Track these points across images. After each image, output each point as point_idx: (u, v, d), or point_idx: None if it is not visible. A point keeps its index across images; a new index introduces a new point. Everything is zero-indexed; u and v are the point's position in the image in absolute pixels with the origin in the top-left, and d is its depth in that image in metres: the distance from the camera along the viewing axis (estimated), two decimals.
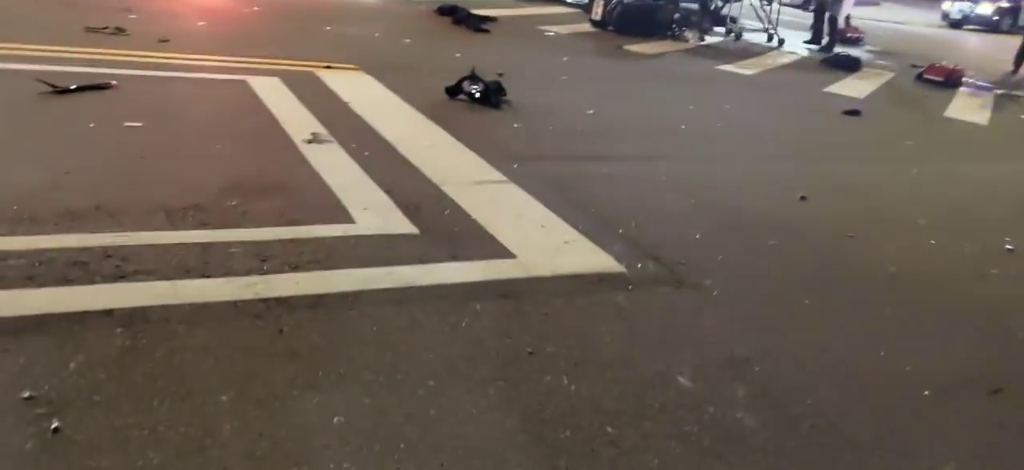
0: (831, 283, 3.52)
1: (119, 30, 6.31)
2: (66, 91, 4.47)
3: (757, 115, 7.15)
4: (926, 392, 2.69)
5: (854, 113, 7.44)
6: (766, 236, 3.96)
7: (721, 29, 13.01)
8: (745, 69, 9.59)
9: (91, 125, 4.06)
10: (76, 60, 5.15)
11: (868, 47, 13.43)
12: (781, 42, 12.37)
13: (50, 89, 4.43)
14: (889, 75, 10.60)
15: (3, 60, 4.88)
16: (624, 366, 2.55)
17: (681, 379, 2.50)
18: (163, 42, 6.15)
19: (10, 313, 2.29)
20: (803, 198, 4.61)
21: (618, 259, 3.35)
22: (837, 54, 11.22)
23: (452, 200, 3.75)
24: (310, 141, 4.28)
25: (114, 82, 4.76)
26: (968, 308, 3.49)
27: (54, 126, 4.01)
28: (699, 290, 3.21)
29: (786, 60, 10.88)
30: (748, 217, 4.20)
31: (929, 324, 3.27)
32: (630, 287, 3.14)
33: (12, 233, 2.76)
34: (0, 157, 3.49)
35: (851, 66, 10.58)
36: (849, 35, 13.52)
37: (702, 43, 11.20)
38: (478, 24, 9.54)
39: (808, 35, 13.12)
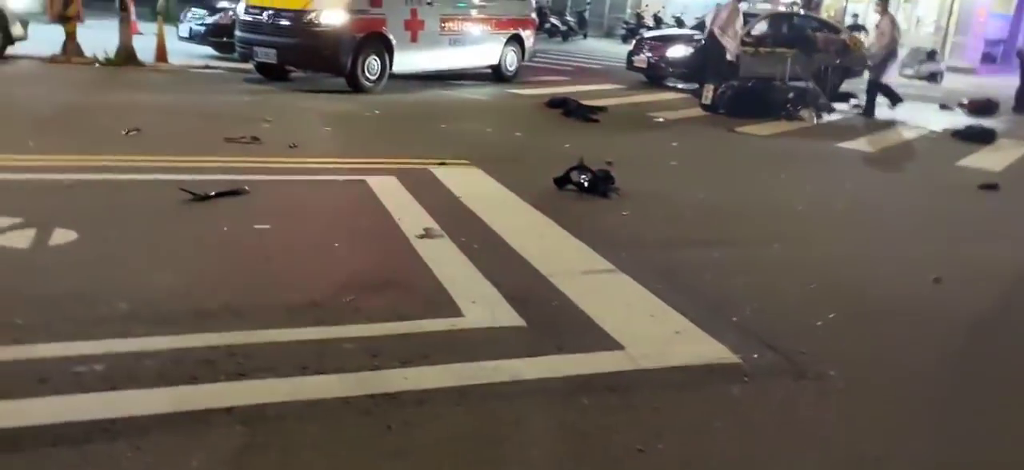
0: (968, 378, 3.23)
1: (254, 139, 6.79)
2: (205, 198, 4.83)
3: (882, 193, 6.81)
4: None
5: (991, 188, 6.95)
6: (895, 324, 3.71)
7: (842, 105, 12.64)
8: (868, 146, 9.21)
9: (225, 229, 4.36)
10: (215, 168, 5.57)
11: (1003, 117, 12.61)
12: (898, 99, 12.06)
13: (190, 196, 4.81)
14: None
15: (151, 171, 5.35)
16: (742, 465, 2.42)
17: None
18: (292, 148, 6.57)
19: (143, 412, 2.45)
20: (937, 280, 4.31)
21: (733, 349, 3.22)
22: (970, 126, 10.59)
23: (560, 291, 3.75)
24: (422, 236, 4.42)
25: (247, 187, 5.11)
26: None
27: (192, 231, 4.33)
28: (822, 382, 3.03)
29: (912, 135, 10.37)
30: (875, 302, 3.96)
31: None
32: (746, 379, 3.01)
33: (149, 334, 2.97)
34: (143, 262, 3.78)
35: (986, 137, 9.94)
36: (981, 106, 12.78)
37: (819, 121, 10.86)
38: (588, 114, 9.68)
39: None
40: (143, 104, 8.20)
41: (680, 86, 13.19)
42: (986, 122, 11.28)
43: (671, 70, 13.60)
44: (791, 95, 11.25)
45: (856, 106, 12.92)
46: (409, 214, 4.84)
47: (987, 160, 8.58)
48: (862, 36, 16.92)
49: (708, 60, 12.40)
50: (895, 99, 12.12)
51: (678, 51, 13.41)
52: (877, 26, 12.33)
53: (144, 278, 3.55)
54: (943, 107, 13.42)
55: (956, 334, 3.67)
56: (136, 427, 2.37)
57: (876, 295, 4.08)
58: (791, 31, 13.34)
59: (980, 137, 9.97)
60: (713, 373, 3.03)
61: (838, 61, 12.68)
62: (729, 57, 12.00)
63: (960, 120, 11.63)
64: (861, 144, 9.26)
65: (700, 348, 3.24)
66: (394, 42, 10.65)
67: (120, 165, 5.40)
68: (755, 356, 3.19)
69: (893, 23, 12.19)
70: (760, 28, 13.82)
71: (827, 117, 11.22)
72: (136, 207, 4.66)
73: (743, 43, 12.74)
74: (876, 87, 12.10)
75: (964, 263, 4.77)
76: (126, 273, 3.61)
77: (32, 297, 3.23)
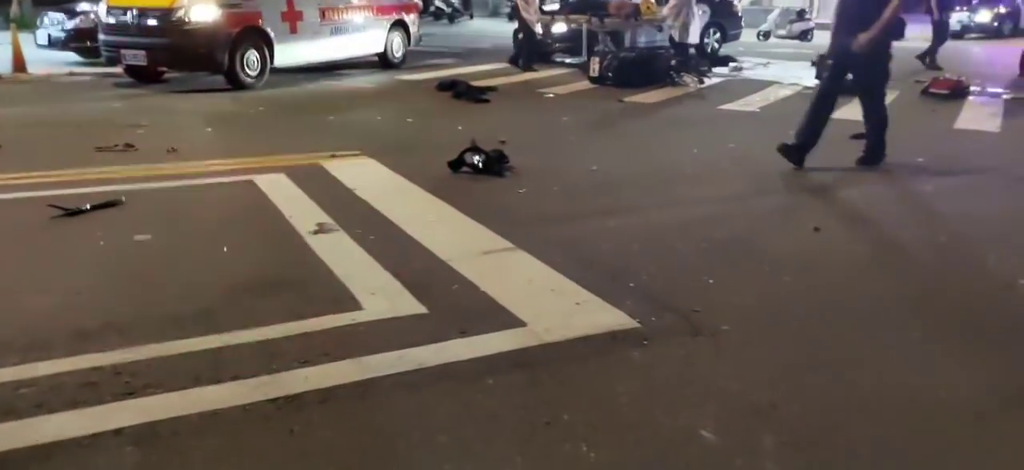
0: (852, 314, 3.43)
1: (128, 146, 6.44)
2: (78, 212, 4.54)
3: (763, 150, 7.07)
4: (965, 418, 2.59)
5: (861, 136, 7.37)
6: (781, 273, 3.89)
7: (721, 69, 13.12)
8: (748, 106, 9.60)
9: (101, 243, 4.12)
10: (88, 181, 5.25)
11: None
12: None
13: (61, 212, 4.51)
14: (893, 94, 10.54)
15: (18, 189, 4.99)
16: (644, 426, 2.48)
17: (704, 433, 2.43)
18: (171, 152, 6.27)
19: (21, 444, 2.28)
20: (817, 229, 4.54)
21: (631, 315, 3.30)
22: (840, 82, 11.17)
23: (460, 274, 3.73)
24: (316, 232, 4.31)
25: (123, 198, 4.84)
26: (997, 324, 3.38)
27: (65, 248, 4.06)
28: (717, 337, 3.14)
29: (788, 92, 10.87)
30: (762, 256, 4.14)
31: (959, 345, 3.17)
32: (645, 342, 3.08)
33: (24, 361, 2.77)
34: (13, 285, 3.52)
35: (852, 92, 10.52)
36: None
37: (702, 85, 11.24)
38: (478, 95, 9.67)
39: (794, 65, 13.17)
40: (3, 118, 7.63)
41: (567, 61, 13.34)
42: (850, 75, 11.94)
43: (557, 46, 13.75)
44: (673, 62, 11.58)
45: (736, 68, 13.45)
46: (301, 211, 4.71)
47: (857, 111, 9.07)
48: (736, 1, 17.53)
49: (519, 36, 13.05)
50: (698, 71, 11.76)
51: (562, 27, 13.57)
52: None
53: (15, 302, 3.32)
54: (814, 63, 14.13)
55: (836, 279, 3.88)
56: (15, 463, 2.21)
57: (763, 248, 4.26)
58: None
59: (850, 89, 10.52)
60: (615, 340, 3.09)
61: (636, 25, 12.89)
62: (537, 30, 12.78)
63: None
64: (741, 105, 9.63)
65: (601, 317, 3.30)
66: (272, 35, 10.32)
67: None
68: (653, 319, 3.27)
69: None
70: None
71: (708, 81, 11.61)
72: (1, 228, 4.34)
73: (542, 13, 13.22)
74: (682, 49, 12.24)
75: (841, 211, 5.05)
76: None
77: None
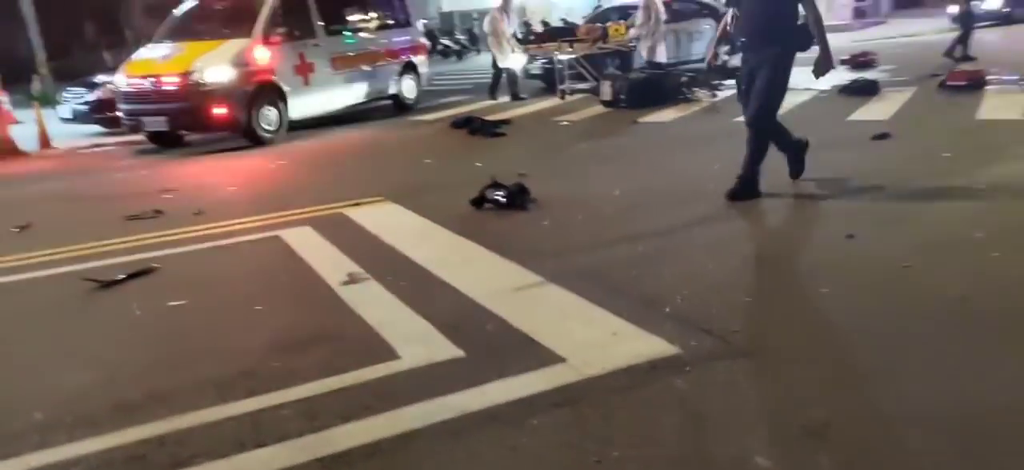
0: (896, 322, 3.36)
1: (157, 212, 6.53)
2: (112, 284, 4.60)
3: (784, 160, 7.04)
4: None
5: (883, 137, 7.31)
6: (818, 284, 3.83)
7: (730, 81, 13.07)
8: None
9: (137, 312, 4.16)
10: (119, 251, 5.32)
11: (883, 67, 13.32)
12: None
13: (96, 285, 4.57)
14: (910, 91, 10.47)
15: (51, 266, 5.06)
16: (696, 459, 2.44)
17: (759, 460, 2.38)
18: (198, 214, 6.35)
19: None
20: (850, 236, 4.48)
21: (670, 341, 3.26)
22: (854, 80, 11.13)
23: (493, 313, 3.72)
24: (347, 283, 4.32)
25: (156, 265, 4.90)
26: None
27: (102, 320, 4.11)
28: (760, 357, 3.10)
29: (804, 97, 10.81)
30: (796, 268, 4.09)
31: (1013, 348, 3.08)
32: (687, 368, 3.04)
33: (71, 439, 2.79)
34: (54, 363, 3.57)
35: (870, 90, 10.47)
36: (861, 59, 13.45)
37: (715, 99, 11.22)
38: (493, 130, 9.72)
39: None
40: (32, 196, 7.79)
41: (577, 87, 13.39)
42: (868, 74, 11.88)
43: (566, 73, 13.83)
44: (684, 79, 11.59)
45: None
46: (329, 262, 4.73)
47: (875, 111, 9.03)
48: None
49: (497, 70, 13.31)
50: (710, 86, 11.66)
51: (568, 54, 13.65)
52: (644, 6, 12.50)
53: (57, 380, 3.35)
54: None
55: (876, 285, 3.81)
56: None
57: (796, 260, 4.22)
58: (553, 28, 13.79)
59: (865, 90, 10.48)
60: (656, 369, 3.06)
61: (606, 47, 13.02)
62: (509, 65, 12.97)
63: (843, 76, 12.19)
64: None
65: (639, 346, 3.26)
66: (287, 89, 10.47)
67: (13, 265, 5.10)
68: (693, 343, 3.23)
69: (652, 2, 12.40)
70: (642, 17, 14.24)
71: (721, 95, 11.59)
72: (37, 306, 4.41)
73: (519, 41, 13.30)
74: (653, 67, 12.11)
75: (872, 215, 4.98)
76: (36, 378, 3.40)
77: None
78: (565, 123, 10.21)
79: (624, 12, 14.98)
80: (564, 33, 13.37)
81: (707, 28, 15.03)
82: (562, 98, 12.39)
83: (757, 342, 3.20)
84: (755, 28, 5.40)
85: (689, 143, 8.37)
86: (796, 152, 5.80)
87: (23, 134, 10.81)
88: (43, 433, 2.84)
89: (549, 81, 13.44)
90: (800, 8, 5.29)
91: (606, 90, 11.34)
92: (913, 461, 2.33)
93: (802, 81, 12.03)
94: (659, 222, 5.22)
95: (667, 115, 10.11)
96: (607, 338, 3.37)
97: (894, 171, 6.08)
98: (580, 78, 13.38)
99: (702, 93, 11.36)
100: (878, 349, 3.11)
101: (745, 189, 5.48)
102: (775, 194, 5.62)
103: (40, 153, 10.83)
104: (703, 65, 12.77)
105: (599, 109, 11.11)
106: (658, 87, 11.22)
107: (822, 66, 5.36)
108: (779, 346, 3.17)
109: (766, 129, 5.49)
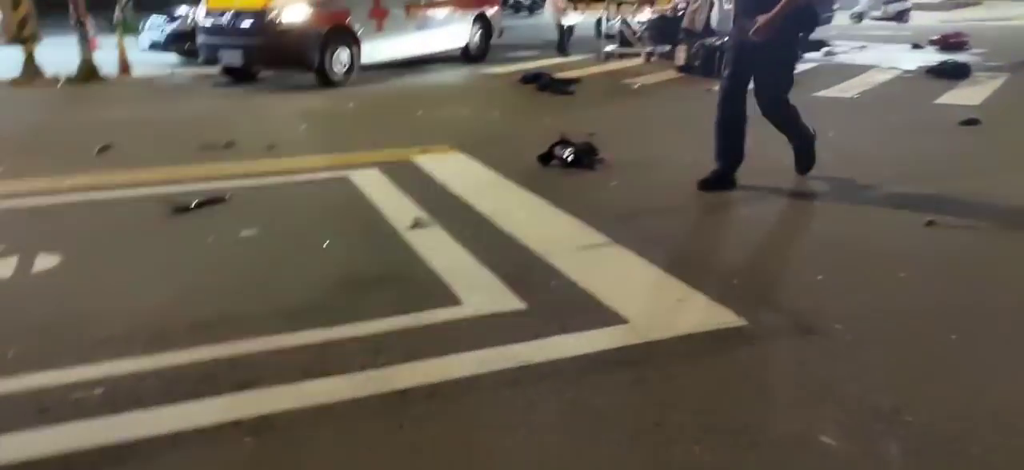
0: (975, 314, 3.24)
1: (229, 144, 6.67)
2: (186, 209, 4.73)
3: (866, 138, 6.81)
4: None
5: (972, 122, 6.98)
6: (895, 269, 3.70)
7: (813, 54, 12.65)
8: (846, 92, 9.23)
9: (210, 239, 4.28)
10: (193, 178, 5.46)
11: (975, 50, 12.69)
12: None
13: (171, 209, 4.70)
14: (1003, 77, 9.95)
15: (127, 188, 5.23)
16: (759, 430, 2.40)
17: (824, 439, 2.32)
18: (270, 149, 6.46)
19: (149, 433, 2.38)
20: (929, 223, 4.31)
21: (737, 312, 3.20)
22: (943, 62, 10.64)
23: (557, 269, 3.71)
24: (413, 227, 4.36)
25: (228, 195, 5.01)
26: None
27: (177, 244, 4.23)
28: (830, 337, 3.02)
29: (887, 77, 10.40)
30: (872, 250, 3.95)
31: None
32: (753, 341, 2.99)
33: (147, 352, 2.90)
34: (131, 280, 3.70)
35: (960, 73, 9.99)
36: (952, 40, 12.84)
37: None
38: (563, 88, 9.61)
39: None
40: (111, 120, 8.03)
41: (624, 51, 13.07)
42: (958, 57, 11.34)
43: (640, 34, 13.56)
44: None
45: (829, 53, 12.95)
46: (396, 206, 4.77)
47: (964, 95, 8.62)
48: None
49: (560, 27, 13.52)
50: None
51: (645, 15, 13.37)
52: None
53: (134, 296, 3.47)
54: (915, 46, 13.49)
55: (954, 276, 3.67)
56: (144, 450, 2.31)
57: (873, 244, 4.07)
58: None
59: (955, 73, 10.00)
60: (720, 338, 3.01)
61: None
62: (562, 21, 13.16)
63: (932, 57, 11.67)
64: (837, 91, 9.27)
65: (704, 314, 3.22)
66: (360, 32, 10.51)
67: (95, 184, 5.28)
68: (760, 317, 3.17)
69: None
70: None
71: (801, 67, 11.20)
72: (117, 225, 4.56)
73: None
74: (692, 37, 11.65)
75: (954, 203, 4.77)
76: (115, 293, 3.52)
77: (21, 326, 3.15)
78: (636, 86, 10.03)
79: None
80: None
81: None
82: (605, 60, 12.43)
83: (827, 321, 3.12)
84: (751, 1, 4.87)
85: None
86: (807, 144, 5.32)
87: (105, 60, 11.13)
88: (120, 345, 2.95)
89: (623, 41, 13.20)
90: None
91: (681, 55, 11.08)
92: (986, 458, 2.25)
93: (886, 60, 11.71)
94: (729, 194, 5.10)
95: None
96: (672, 304, 3.33)
97: (981, 157, 5.81)
98: (626, 42, 13.11)
99: None
100: (956, 339, 3.00)
101: (802, 159, 5.29)
102: (852, 176, 5.43)
103: (119, 79, 11.15)
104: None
105: (672, 74, 10.88)
106: None
107: (759, 30, 4.69)
108: (850, 327, 3.08)
109: (783, 115, 5.13)
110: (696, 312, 3.24)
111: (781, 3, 4.56)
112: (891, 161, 5.72)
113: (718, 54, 10.76)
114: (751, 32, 4.66)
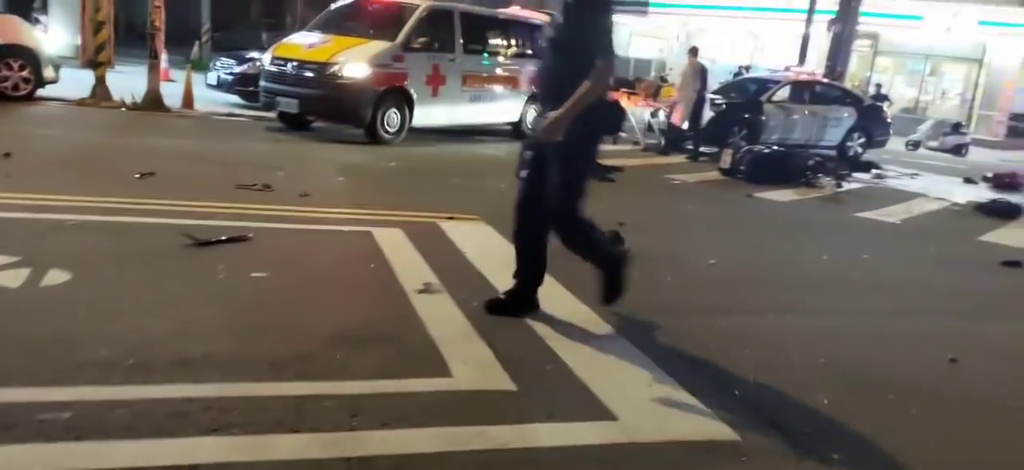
0: (988, 466, 3.04)
1: (266, 186, 6.79)
2: (206, 244, 4.79)
3: (900, 266, 6.62)
4: None
5: (1014, 265, 6.74)
6: (908, 404, 3.52)
7: (862, 175, 12.51)
8: (889, 216, 9.04)
9: (221, 276, 4.31)
10: (223, 214, 5.55)
11: None
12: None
13: (192, 242, 4.77)
14: None
15: (157, 215, 5.34)
16: None
17: None
18: (303, 196, 6.56)
19: (103, 466, 2.35)
20: (953, 360, 4.12)
21: (732, 425, 3.06)
22: (994, 200, 10.38)
23: (556, 355, 3.62)
24: (421, 291, 4.33)
25: (251, 235, 5.07)
26: None
27: (188, 277, 4.27)
28: (825, 465, 2.86)
29: (935, 207, 10.17)
30: (886, 382, 3.78)
31: None
32: (744, 459, 2.84)
33: (125, 381, 2.89)
34: (133, 307, 3.72)
35: (1011, 213, 9.71)
36: (1007, 180, 12.56)
37: (840, 189, 10.71)
38: (603, 175, 9.59)
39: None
40: (162, 148, 8.29)
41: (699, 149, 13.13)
42: (1012, 197, 11.05)
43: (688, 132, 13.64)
44: (811, 162, 11.15)
45: (879, 175, 12.78)
46: (411, 268, 4.76)
47: (1011, 236, 8.36)
48: (885, 106, 17.23)
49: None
50: (837, 175, 11.34)
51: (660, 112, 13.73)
52: (682, 71, 13.04)
53: (131, 324, 3.48)
54: (967, 180, 13.22)
55: (973, 418, 3.48)
56: None
57: (888, 373, 3.90)
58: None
59: (1005, 212, 9.73)
60: (710, 450, 2.88)
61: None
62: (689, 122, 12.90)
63: (984, 194, 11.41)
64: (880, 214, 9.08)
65: (698, 422, 3.09)
66: (415, 96, 10.75)
67: (126, 207, 5.40)
68: (757, 434, 3.03)
69: (694, 70, 12.67)
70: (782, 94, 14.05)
71: (847, 186, 11.07)
72: (135, 250, 4.63)
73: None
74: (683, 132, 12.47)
75: (983, 343, 4.57)
76: (112, 317, 3.55)
77: (14, 339, 3.18)
78: (676, 182, 10.00)
79: (763, 83, 14.71)
80: (627, 85, 13.58)
81: (846, 116, 14.61)
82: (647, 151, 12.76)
83: (827, 449, 2.96)
84: (547, 89, 4.04)
85: (801, 228, 8.00)
86: (613, 268, 4.24)
87: (171, 92, 11.59)
88: (102, 370, 2.95)
89: (669, 138, 13.27)
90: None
91: (726, 158, 11.05)
92: None
93: (936, 190, 11.48)
94: (750, 301, 4.98)
95: (785, 195, 9.73)
96: (666, 407, 3.21)
97: (1018, 300, 5.58)
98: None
99: (827, 180, 10.88)
100: None
101: (608, 286, 4.24)
102: (880, 301, 5.26)
103: (180, 111, 11.57)
104: (832, 152, 12.39)
105: (715, 175, 10.83)
106: (782, 165, 10.84)
107: (547, 128, 3.77)
108: (849, 460, 2.91)
109: (571, 235, 4.07)
110: (689, 419, 3.11)
111: (573, 98, 3.67)
112: (922, 292, 5.53)
113: (767, 162, 10.76)
114: (541, 131, 3.84)
